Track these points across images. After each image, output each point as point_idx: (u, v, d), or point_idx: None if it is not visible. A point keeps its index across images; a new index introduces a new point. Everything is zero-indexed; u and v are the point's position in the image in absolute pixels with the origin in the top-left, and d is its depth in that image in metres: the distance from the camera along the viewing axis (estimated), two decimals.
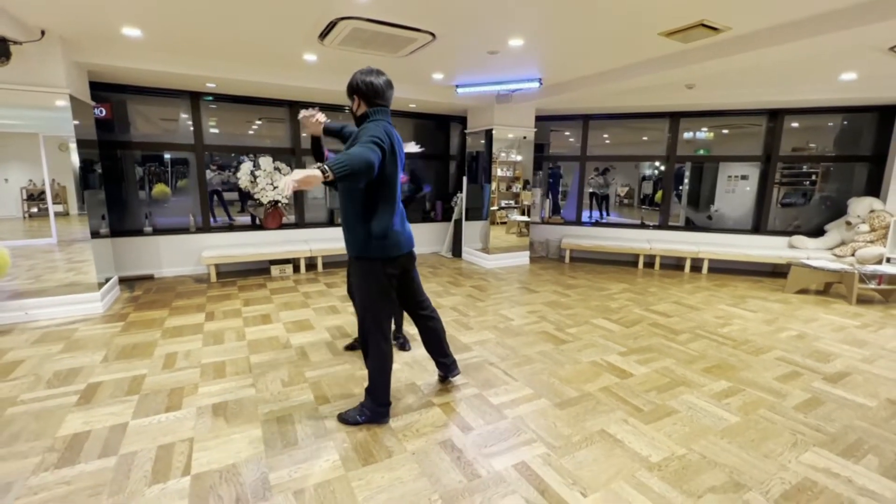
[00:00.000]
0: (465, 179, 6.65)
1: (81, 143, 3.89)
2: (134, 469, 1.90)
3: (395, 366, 2.89)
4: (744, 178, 7.35)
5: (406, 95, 5.45)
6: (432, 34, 3.33)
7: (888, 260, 5.02)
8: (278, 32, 3.46)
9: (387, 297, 2.21)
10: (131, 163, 5.36)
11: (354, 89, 2.15)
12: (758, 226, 6.34)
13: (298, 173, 1.61)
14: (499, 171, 6.10)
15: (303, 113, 2.37)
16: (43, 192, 3.80)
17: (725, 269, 6.18)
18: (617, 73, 4.34)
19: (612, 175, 8.51)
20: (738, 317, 4.12)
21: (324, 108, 6.20)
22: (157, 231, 5.38)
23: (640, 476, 1.89)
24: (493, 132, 5.91)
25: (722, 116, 6.38)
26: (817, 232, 6.01)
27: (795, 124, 6.12)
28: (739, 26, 3.10)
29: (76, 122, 3.76)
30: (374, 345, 2.22)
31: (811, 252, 5.59)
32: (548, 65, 4.34)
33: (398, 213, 2.21)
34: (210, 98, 5.46)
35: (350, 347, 3.22)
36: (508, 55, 3.97)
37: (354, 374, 2.82)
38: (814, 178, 6.58)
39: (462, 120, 7.15)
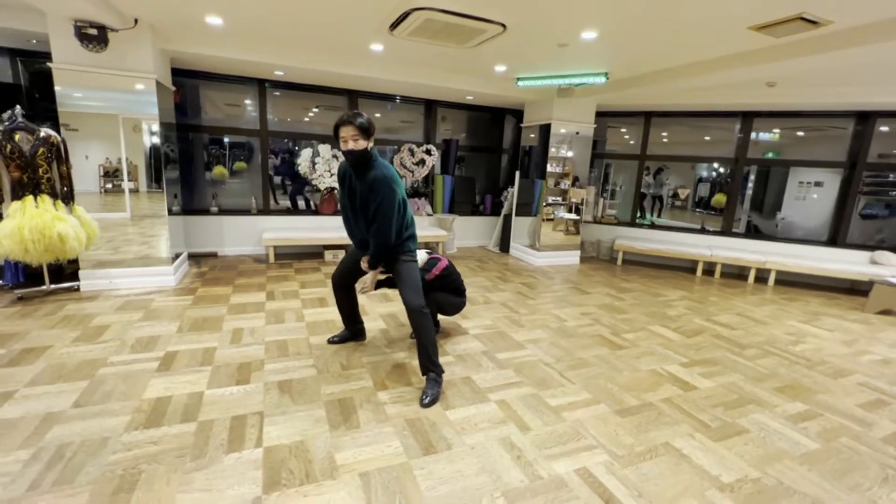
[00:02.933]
0: (517, 174, 6.56)
1: (163, 126, 4.15)
2: (212, 436, 2.02)
3: (447, 359, 2.92)
4: (818, 184, 6.79)
5: (464, 87, 5.42)
6: (503, 25, 3.28)
7: None
8: (352, 22, 3.52)
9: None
10: (199, 145, 5.67)
11: (370, 128, 2.37)
12: (835, 237, 5.86)
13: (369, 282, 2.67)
14: (548, 167, 5.95)
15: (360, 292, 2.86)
16: (118, 170, 4.08)
17: (795, 283, 5.77)
18: (692, 68, 4.10)
19: (665, 175, 8.10)
20: (812, 335, 3.84)
21: (381, 97, 6.28)
22: (222, 211, 5.68)
23: (711, 496, 1.81)
24: (552, 127, 5.77)
25: (800, 118, 5.91)
26: None
27: (885, 128, 5.58)
28: (842, 20, 2.84)
29: (161, 107, 4.01)
30: None
31: (895, 270, 5.10)
32: (617, 59, 4.17)
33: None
34: (271, 85, 5.66)
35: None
36: (578, 48, 3.85)
37: (411, 363, 2.86)
38: None
39: (517, 113, 7.03)
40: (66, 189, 3.70)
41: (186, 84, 5.32)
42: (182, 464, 1.83)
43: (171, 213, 4.39)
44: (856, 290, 5.48)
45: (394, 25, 3.41)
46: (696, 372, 2.97)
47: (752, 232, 6.86)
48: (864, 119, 5.48)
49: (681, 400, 2.59)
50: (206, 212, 5.60)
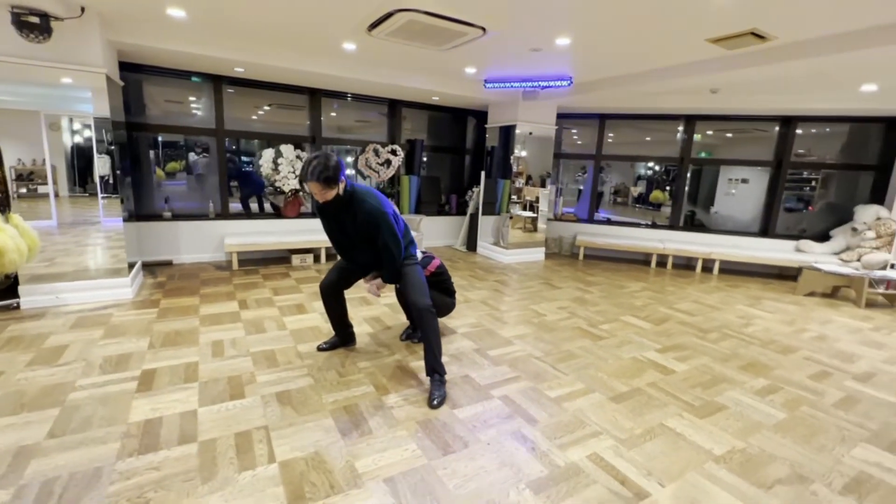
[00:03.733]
0: (482, 174, 6.68)
1: (115, 125, 3.80)
2: (219, 455, 1.91)
3: (443, 359, 2.95)
4: (744, 181, 7.55)
5: (432, 87, 5.44)
6: (483, 29, 3.34)
7: (892, 266, 5.24)
8: (328, 19, 3.43)
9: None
10: (146, 146, 5.24)
11: (335, 175, 2.27)
12: (766, 229, 6.53)
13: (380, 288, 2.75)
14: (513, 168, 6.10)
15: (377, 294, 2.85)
16: (32, 173, 3.70)
17: (735, 271, 6.36)
18: (653, 74, 4.41)
19: (606, 173, 8.55)
20: (758, 317, 4.28)
21: (344, 96, 6.15)
22: (177, 217, 5.30)
23: (709, 468, 1.99)
24: (517, 128, 5.94)
25: (734, 121, 6.52)
26: (821, 237, 6.22)
27: (799, 131, 6.30)
28: (786, 36, 3.19)
29: (102, 104, 3.67)
30: None
31: (818, 256, 5.79)
32: (583, 64, 4.39)
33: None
34: (228, 82, 5.37)
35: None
36: (550, 53, 4.01)
37: (408, 365, 2.86)
38: (813, 184, 6.80)
39: (478, 114, 7.16)
40: (0, 196, 3.30)
41: (129, 79, 4.89)
42: (193, 487, 1.72)
43: (125, 219, 4.03)
44: (784, 275, 6.15)
45: (373, 25, 3.37)
46: (671, 357, 3.22)
47: (695, 226, 7.46)
48: (788, 123, 6.16)
49: (663, 383, 2.79)
50: (158, 217, 5.20)
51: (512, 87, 5.26)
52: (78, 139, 3.78)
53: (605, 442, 2.15)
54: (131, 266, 4.20)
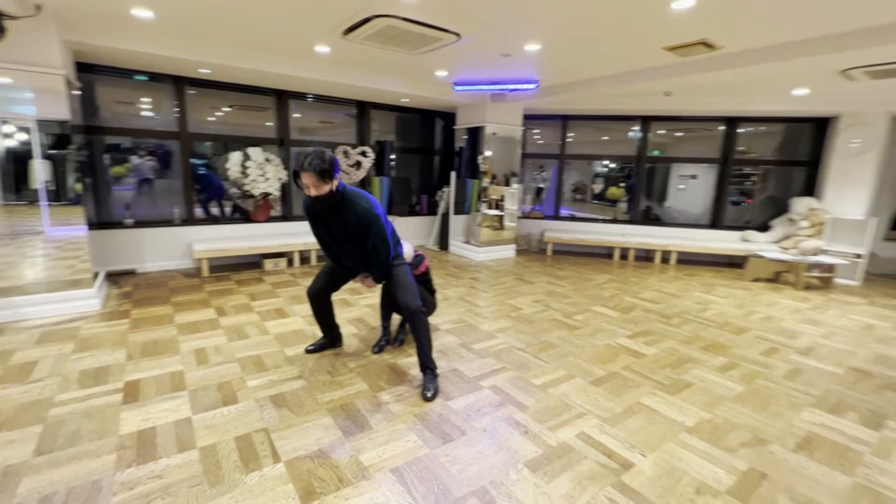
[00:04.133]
0: (452, 174, 6.81)
1: (73, 129, 3.62)
2: (222, 460, 1.92)
3: (432, 354, 3.04)
4: (693, 177, 8.12)
5: (403, 90, 5.51)
6: (458, 35, 3.46)
7: (824, 251, 5.82)
8: (303, 22, 3.43)
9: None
10: (100, 150, 4.97)
11: (331, 168, 2.28)
12: (715, 221, 7.06)
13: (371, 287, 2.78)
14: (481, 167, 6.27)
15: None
16: None
17: (689, 261, 6.83)
18: (614, 79, 4.69)
19: (565, 172, 8.83)
20: (713, 302, 4.65)
21: (315, 98, 6.10)
22: (139, 223, 5.08)
23: (684, 438, 2.20)
24: (486, 129, 6.11)
25: (684, 121, 7.00)
26: (763, 227, 6.80)
27: (741, 130, 6.86)
28: (731, 46, 3.52)
29: (57, 106, 3.49)
30: None
31: (762, 245, 6.33)
32: (550, 68, 4.60)
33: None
34: (190, 83, 5.20)
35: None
36: (520, 58, 4.18)
37: (396, 363, 2.93)
38: (754, 179, 7.42)
39: (446, 115, 7.28)
40: None
41: (82, 80, 4.65)
42: (202, 491, 1.73)
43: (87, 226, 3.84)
44: (733, 262, 6.67)
45: (350, 30, 3.40)
46: (641, 342, 3.47)
47: (651, 220, 7.93)
48: (731, 123, 6.69)
49: (636, 366, 3.02)
50: (118, 224, 4.97)
51: (481, 89, 5.41)
52: (11, 143, 3.45)
53: (590, 421, 2.32)
54: (95, 276, 4.01)
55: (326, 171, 2.25)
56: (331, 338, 3.10)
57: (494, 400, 2.51)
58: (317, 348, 3.06)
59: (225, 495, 1.72)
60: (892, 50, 3.18)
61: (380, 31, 3.33)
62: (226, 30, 3.72)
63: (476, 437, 2.15)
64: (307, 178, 2.26)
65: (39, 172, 3.51)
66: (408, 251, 2.99)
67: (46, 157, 3.54)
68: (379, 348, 3.11)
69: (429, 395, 2.46)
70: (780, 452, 2.11)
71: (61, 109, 3.42)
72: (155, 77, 4.94)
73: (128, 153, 5.26)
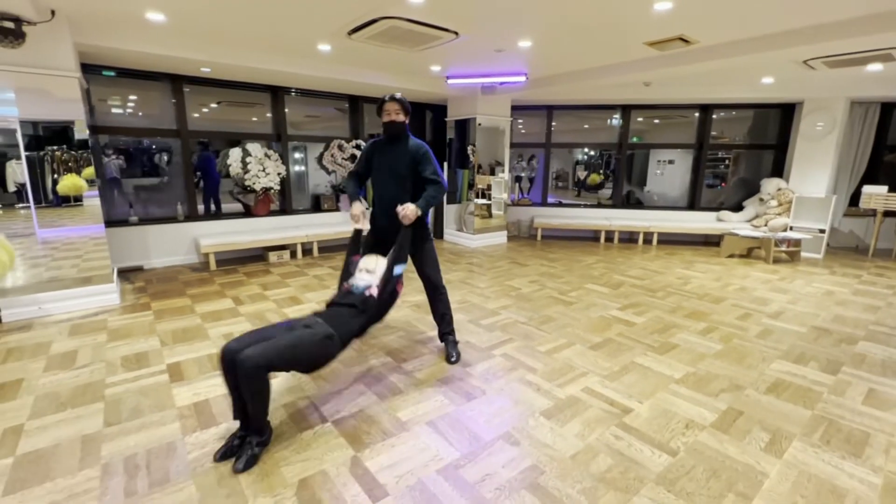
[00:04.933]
0: (445, 165, 7.06)
1: (90, 129, 3.73)
2: (275, 422, 2.17)
3: None
4: (670, 162, 8.57)
5: (399, 84, 5.70)
6: (456, 33, 3.70)
7: (791, 228, 6.32)
8: (310, 24, 3.61)
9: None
10: (98, 150, 5.04)
11: (408, 107, 2.69)
12: (692, 203, 7.51)
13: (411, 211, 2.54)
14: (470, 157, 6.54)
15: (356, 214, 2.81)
16: None
17: (670, 241, 7.27)
18: (599, 71, 5.00)
19: (536, 161, 9.12)
20: (693, 277, 5.06)
21: (309, 94, 6.23)
22: (144, 221, 5.19)
23: (673, 388, 2.55)
24: (477, 120, 6.37)
25: (662, 109, 7.40)
26: (736, 207, 7.28)
27: (714, 116, 7.29)
28: (706, 40, 3.85)
29: (74, 109, 3.61)
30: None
31: (735, 224, 6.80)
32: (539, 62, 4.88)
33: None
34: (188, 81, 5.30)
35: None
36: (512, 53, 4.44)
37: (414, 338, 3.21)
38: (727, 162, 7.89)
39: (436, 108, 7.49)
40: None
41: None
42: (274, 447, 1.98)
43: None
44: (709, 241, 7.14)
45: (354, 30, 3.60)
46: (630, 312, 3.83)
47: (632, 204, 8.34)
48: (706, 110, 7.10)
49: (628, 333, 3.37)
50: (124, 222, 5.07)
51: (473, 83, 5.65)
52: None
53: (592, 379, 2.65)
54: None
55: (406, 105, 2.67)
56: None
57: (507, 365, 2.82)
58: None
59: (287, 448, 1.98)
60: (846, 43, 3.56)
61: (384, 31, 3.54)
62: (234, 31, 3.86)
63: (495, 396, 2.46)
64: (391, 105, 2.63)
65: (26, 174, 3.54)
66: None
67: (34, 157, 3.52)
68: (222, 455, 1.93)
69: (453, 359, 2.77)
70: (753, 395, 2.48)
71: (77, 111, 3.53)
72: (151, 75, 5.01)
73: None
